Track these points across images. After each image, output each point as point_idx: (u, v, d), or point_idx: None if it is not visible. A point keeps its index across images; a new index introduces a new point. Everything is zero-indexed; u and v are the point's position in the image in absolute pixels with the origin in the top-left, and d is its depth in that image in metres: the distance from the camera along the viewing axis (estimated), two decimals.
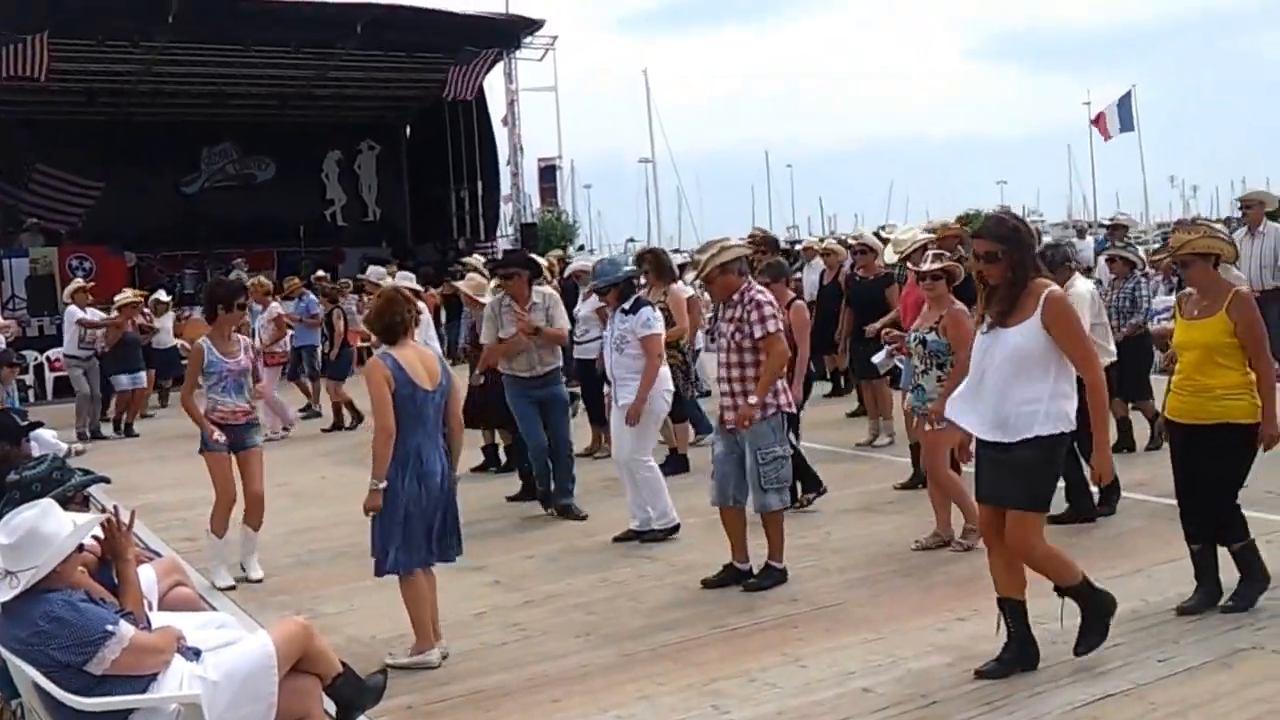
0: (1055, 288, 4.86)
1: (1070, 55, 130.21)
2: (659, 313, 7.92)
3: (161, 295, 16.82)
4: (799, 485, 7.84)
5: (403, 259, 23.03)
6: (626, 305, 7.64)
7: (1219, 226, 6.56)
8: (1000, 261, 4.78)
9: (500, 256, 16.70)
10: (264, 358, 13.50)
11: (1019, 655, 4.87)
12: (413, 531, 5.25)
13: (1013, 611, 4.91)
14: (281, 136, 27.20)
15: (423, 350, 5.51)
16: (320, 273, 17.39)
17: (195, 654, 4.08)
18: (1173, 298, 9.26)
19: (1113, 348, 7.76)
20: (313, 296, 15.43)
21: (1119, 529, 7.06)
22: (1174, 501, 6.95)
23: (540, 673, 5.25)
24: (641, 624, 5.85)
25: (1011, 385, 4.73)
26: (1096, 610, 4.91)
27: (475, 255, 16.89)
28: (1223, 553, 5.52)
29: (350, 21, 22.51)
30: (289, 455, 11.36)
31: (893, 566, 6.66)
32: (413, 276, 13.69)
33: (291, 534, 8.15)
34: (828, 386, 13.64)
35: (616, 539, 7.49)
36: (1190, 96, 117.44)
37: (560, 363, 8.67)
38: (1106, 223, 11.69)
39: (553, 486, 8.39)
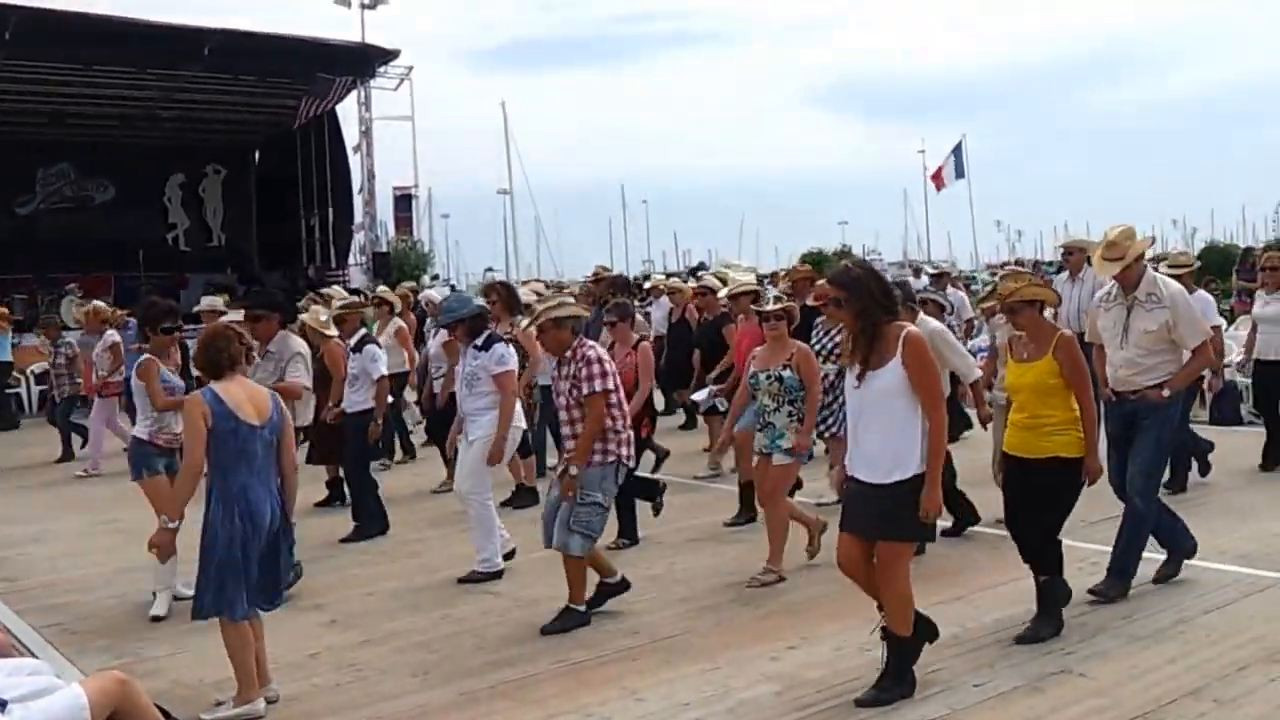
0: (913, 329, 5.09)
1: (906, 104, 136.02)
2: (512, 349, 7.95)
3: None
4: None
5: (249, 287, 22.50)
6: (479, 341, 7.64)
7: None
8: (845, 308, 5.03)
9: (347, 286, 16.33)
10: (102, 387, 13.06)
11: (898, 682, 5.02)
12: (237, 574, 5.08)
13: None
14: (122, 158, 26.32)
15: (252, 387, 5.38)
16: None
17: (1, 704, 3.92)
18: (984, 339, 9.79)
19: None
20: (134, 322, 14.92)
21: (941, 557, 7.35)
22: (994, 530, 7.30)
23: (375, 714, 5.18)
24: (482, 661, 5.83)
25: (880, 426, 4.94)
26: (901, 671, 5.05)
27: (336, 286, 16.63)
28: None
29: (198, 44, 22.01)
30: (119, 491, 10.93)
31: (732, 595, 6.80)
32: (219, 301, 13.38)
33: (118, 573, 7.86)
34: (682, 418, 13.83)
35: (461, 580, 7.45)
36: (1017, 145, 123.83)
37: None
38: (931, 270, 12.35)
39: None
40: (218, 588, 5.08)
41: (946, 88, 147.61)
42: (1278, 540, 7.41)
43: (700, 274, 16.53)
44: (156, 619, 6.71)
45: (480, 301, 8.56)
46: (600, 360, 6.42)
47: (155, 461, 6.94)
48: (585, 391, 6.33)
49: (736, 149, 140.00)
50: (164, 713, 4.54)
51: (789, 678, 5.33)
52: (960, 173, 38.54)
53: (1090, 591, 6.21)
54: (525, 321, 8.12)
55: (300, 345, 7.97)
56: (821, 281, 9.96)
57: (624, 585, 6.60)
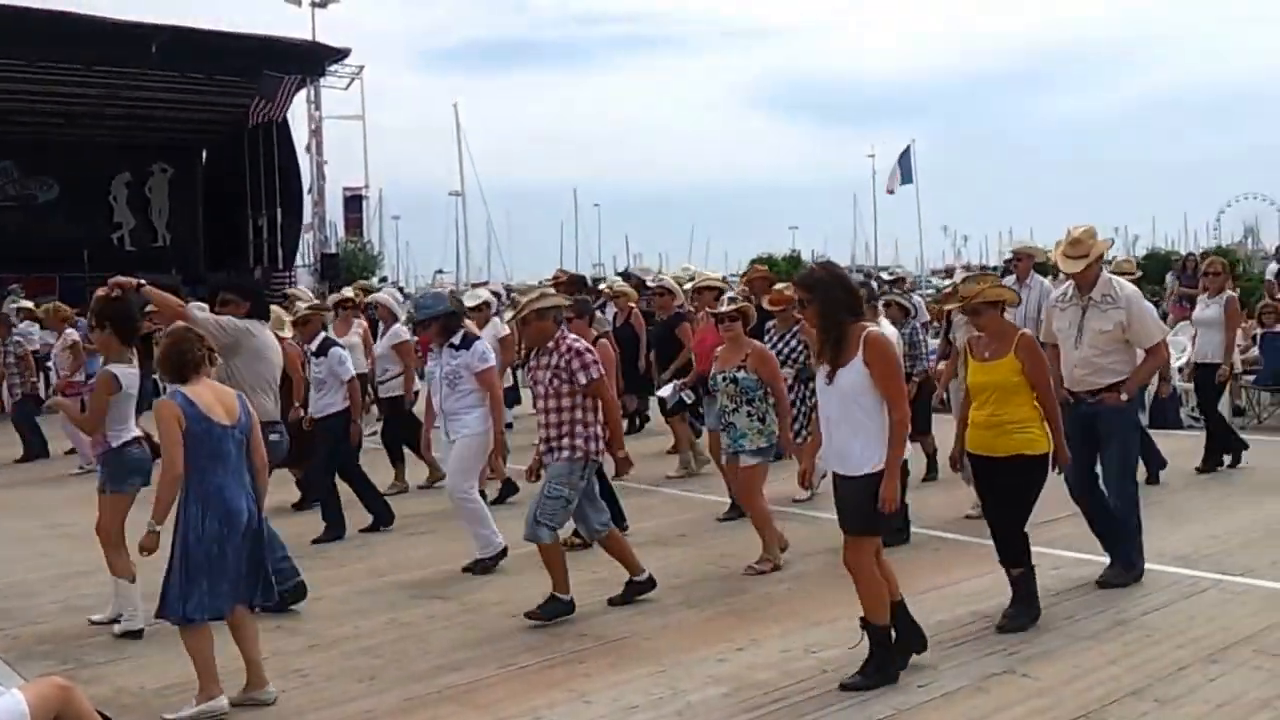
0: (874, 329, 5.27)
1: (856, 110, 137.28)
2: (489, 345, 8.07)
3: None
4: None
5: (194, 288, 22.19)
6: (455, 340, 7.63)
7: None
8: (808, 308, 5.23)
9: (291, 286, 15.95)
10: (63, 388, 12.83)
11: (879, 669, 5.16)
12: (214, 575, 5.06)
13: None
14: (67, 156, 25.95)
15: (219, 388, 5.38)
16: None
17: None
18: (935, 342, 9.94)
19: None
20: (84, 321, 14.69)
21: (887, 557, 7.41)
22: (937, 532, 7.40)
23: None
24: (429, 666, 5.80)
25: (848, 422, 5.10)
26: (882, 659, 5.16)
27: (302, 288, 16.49)
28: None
29: (146, 41, 21.73)
30: (69, 495, 10.78)
31: (680, 598, 6.81)
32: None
33: (61, 578, 7.74)
34: (624, 424, 13.83)
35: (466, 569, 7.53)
36: (963, 152, 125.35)
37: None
38: (887, 276, 12.48)
39: None
40: (191, 590, 5.03)
41: (895, 94, 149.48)
42: (1216, 542, 7.55)
43: (629, 277, 16.69)
44: (132, 633, 6.42)
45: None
46: (588, 349, 6.58)
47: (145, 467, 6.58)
48: (584, 381, 6.43)
49: (688, 153, 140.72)
50: (106, 719, 4.48)
51: (737, 679, 5.35)
52: (908, 178, 38.99)
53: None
54: (509, 315, 8.17)
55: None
56: (779, 285, 10.06)
57: (650, 583, 6.74)
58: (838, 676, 5.16)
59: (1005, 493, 5.93)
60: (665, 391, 8.65)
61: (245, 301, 7.47)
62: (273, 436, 6.74)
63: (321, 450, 8.92)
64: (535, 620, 6.29)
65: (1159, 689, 5.04)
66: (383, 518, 8.98)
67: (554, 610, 6.36)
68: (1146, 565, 6.72)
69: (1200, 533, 7.84)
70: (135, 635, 6.33)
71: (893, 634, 5.24)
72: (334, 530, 8.69)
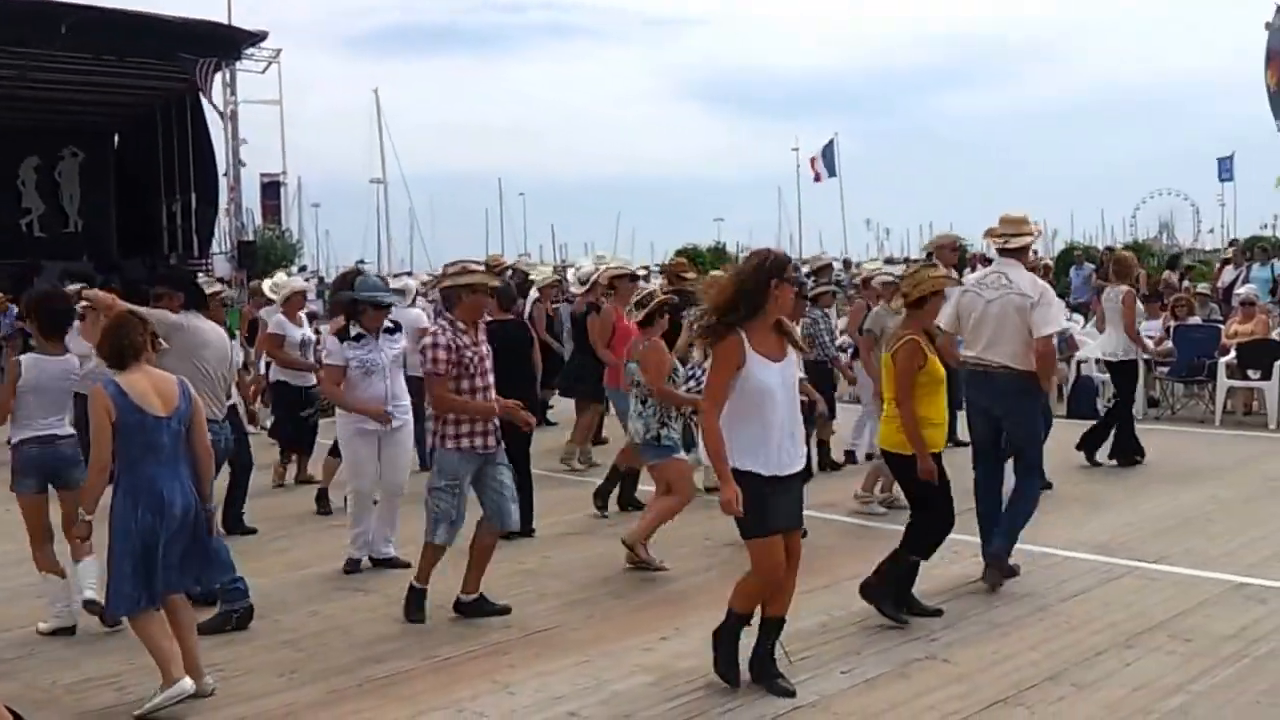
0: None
1: (779, 104, 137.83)
2: None
3: None
4: None
5: (107, 276, 21.66)
6: (390, 325, 7.51)
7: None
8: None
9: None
10: None
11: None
12: (147, 568, 4.94)
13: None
14: None
15: (158, 375, 5.17)
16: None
17: None
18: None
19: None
20: (15, 309, 14.30)
21: (809, 546, 7.45)
22: (861, 521, 7.49)
23: (238, 714, 5.02)
24: (351, 658, 5.70)
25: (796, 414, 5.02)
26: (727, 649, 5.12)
27: (201, 275, 16.06)
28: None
29: (54, 21, 21.07)
30: None
31: (606, 589, 6.79)
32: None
33: None
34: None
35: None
36: (884, 146, 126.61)
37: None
38: (811, 263, 12.63)
39: None
40: (123, 584, 4.93)
41: (819, 87, 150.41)
42: (1131, 530, 7.73)
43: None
44: (64, 630, 6.19)
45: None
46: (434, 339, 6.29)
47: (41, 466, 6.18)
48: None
49: (612, 143, 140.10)
50: (16, 716, 4.35)
51: (662, 668, 5.35)
52: (831, 170, 39.41)
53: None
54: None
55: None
56: (688, 275, 10.10)
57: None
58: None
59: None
60: None
61: (178, 293, 7.20)
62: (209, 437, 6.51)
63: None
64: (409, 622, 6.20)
65: (1076, 673, 5.13)
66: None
67: (411, 603, 6.29)
68: (1065, 553, 6.91)
69: (1117, 521, 8.01)
70: (68, 632, 6.13)
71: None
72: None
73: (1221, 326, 13.56)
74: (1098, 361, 12.93)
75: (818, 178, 39.65)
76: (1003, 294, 6.56)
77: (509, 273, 12.74)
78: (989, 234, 7.03)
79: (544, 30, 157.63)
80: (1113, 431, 10.15)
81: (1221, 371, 12.60)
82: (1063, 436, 9.56)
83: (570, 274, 11.62)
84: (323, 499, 9.17)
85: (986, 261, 9.70)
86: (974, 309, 6.63)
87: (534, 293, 12.56)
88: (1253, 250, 19.35)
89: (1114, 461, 10.06)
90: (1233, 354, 12.65)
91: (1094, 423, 10.56)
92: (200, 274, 17.13)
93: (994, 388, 6.56)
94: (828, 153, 38.83)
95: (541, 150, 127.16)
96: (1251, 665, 5.19)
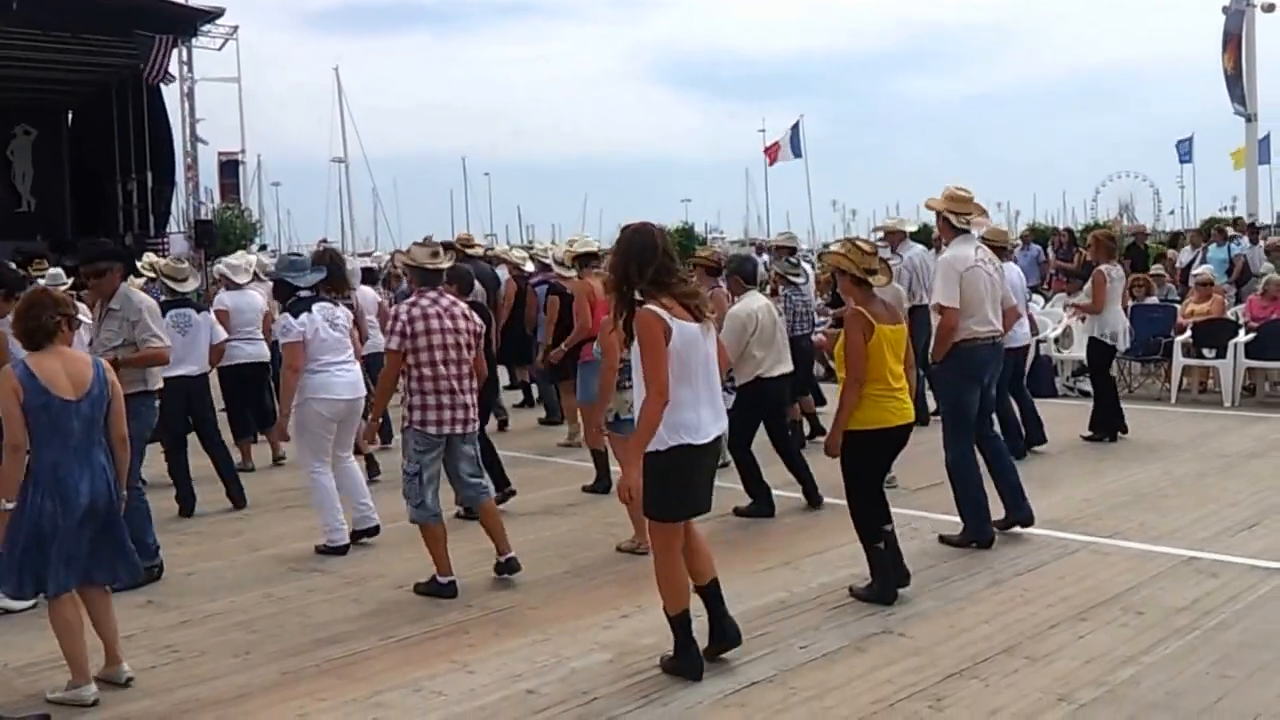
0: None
1: (746, 86, 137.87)
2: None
3: None
4: None
5: (62, 255, 21.34)
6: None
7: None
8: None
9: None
10: None
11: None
12: (46, 555, 4.78)
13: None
14: None
15: (71, 357, 5.01)
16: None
17: None
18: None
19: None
20: None
21: (769, 524, 7.51)
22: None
23: (192, 696, 4.97)
24: (307, 640, 5.66)
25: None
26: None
27: (174, 253, 15.86)
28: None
29: None
30: None
31: (565, 567, 6.78)
32: (61, 273, 12.65)
33: None
34: (519, 396, 13.73)
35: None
36: (851, 128, 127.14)
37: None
38: (778, 242, 12.64)
39: None
40: (20, 569, 4.80)
41: (785, 68, 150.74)
42: (1086, 505, 7.80)
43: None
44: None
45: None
46: (396, 316, 6.36)
47: None
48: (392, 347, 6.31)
49: (579, 123, 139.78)
50: None
51: (621, 645, 5.34)
52: (798, 152, 39.37)
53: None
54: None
55: (144, 299, 7.08)
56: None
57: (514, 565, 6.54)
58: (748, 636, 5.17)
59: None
60: None
61: (118, 265, 7.02)
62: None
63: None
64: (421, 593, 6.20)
65: (1030, 646, 5.18)
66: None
67: (431, 590, 6.27)
68: (1021, 529, 6.94)
69: (1072, 496, 8.09)
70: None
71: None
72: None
73: (1178, 306, 13.70)
74: (1056, 340, 13.06)
75: (773, 160, 39.59)
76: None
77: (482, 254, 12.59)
78: (959, 212, 6.97)
79: (507, 10, 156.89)
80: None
81: (1178, 350, 12.73)
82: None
83: (550, 255, 11.55)
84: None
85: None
86: (983, 281, 6.78)
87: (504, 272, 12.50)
88: (1209, 232, 19.59)
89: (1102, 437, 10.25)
90: (1189, 333, 12.79)
91: (1093, 405, 10.60)
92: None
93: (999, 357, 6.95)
94: (794, 133, 38.77)
95: (507, 131, 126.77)
96: (1202, 637, 5.26)
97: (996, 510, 6.93)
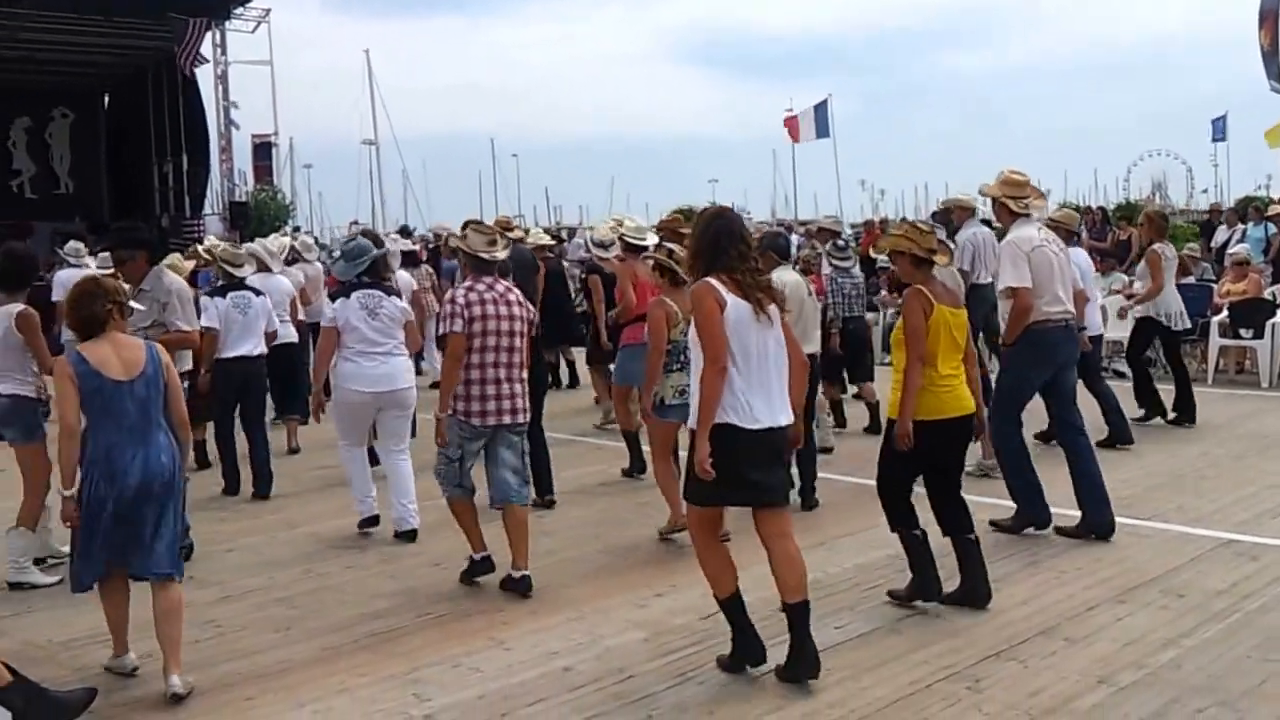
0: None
1: (774, 65, 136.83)
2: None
3: None
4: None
5: (100, 236, 21.53)
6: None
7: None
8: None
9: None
10: None
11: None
12: (99, 539, 4.80)
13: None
14: None
15: (122, 340, 5.01)
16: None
17: None
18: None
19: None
20: None
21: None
22: (854, 479, 7.48)
23: (234, 670, 5.04)
24: (346, 616, 5.72)
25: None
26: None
27: (211, 235, 15.96)
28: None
29: None
30: None
31: (599, 546, 6.82)
32: (81, 246, 12.83)
33: None
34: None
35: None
36: (879, 106, 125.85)
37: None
38: (822, 224, 12.63)
39: None
40: (82, 559, 4.86)
41: (812, 47, 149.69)
42: (1124, 487, 7.74)
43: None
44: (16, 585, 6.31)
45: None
46: (448, 301, 6.20)
47: (44, 421, 6.40)
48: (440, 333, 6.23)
49: (606, 104, 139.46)
50: (12, 672, 4.36)
51: (656, 624, 5.37)
52: (824, 131, 38.96)
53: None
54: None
55: (176, 282, 7.14)
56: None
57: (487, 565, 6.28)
58: (755, 619, 5.13)
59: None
60: None
61: (141, 251, 7.05)
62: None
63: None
64: (464, 583, 6.16)
65: (1068, 628, 5.16)
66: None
67: (471, 572, 6.22)
68: (1056, 510, 6.81)
69: (1110, 478, 7.95)
70: (17, 587, 6.23)
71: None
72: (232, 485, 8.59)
73: (1214, 286, 13.55)
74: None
75: (795, 136, 39.12)
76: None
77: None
78: (1016, 196, 6.84)
79: None
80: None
81: (1214, 330, 12.61)
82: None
83: (586, 236, 11.52)
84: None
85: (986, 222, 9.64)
86: (1051, 262, 6.70)
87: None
88: (1246, 210, 19.29)
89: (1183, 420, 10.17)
90: (1225, 313, 12.65)
91: (1175, 389, 10.40)
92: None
93: (1073, 339, 6.94)
94: (821, 113, 38.36)
95: (534, 112, 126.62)
96: (1242, 620, 5.22)
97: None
